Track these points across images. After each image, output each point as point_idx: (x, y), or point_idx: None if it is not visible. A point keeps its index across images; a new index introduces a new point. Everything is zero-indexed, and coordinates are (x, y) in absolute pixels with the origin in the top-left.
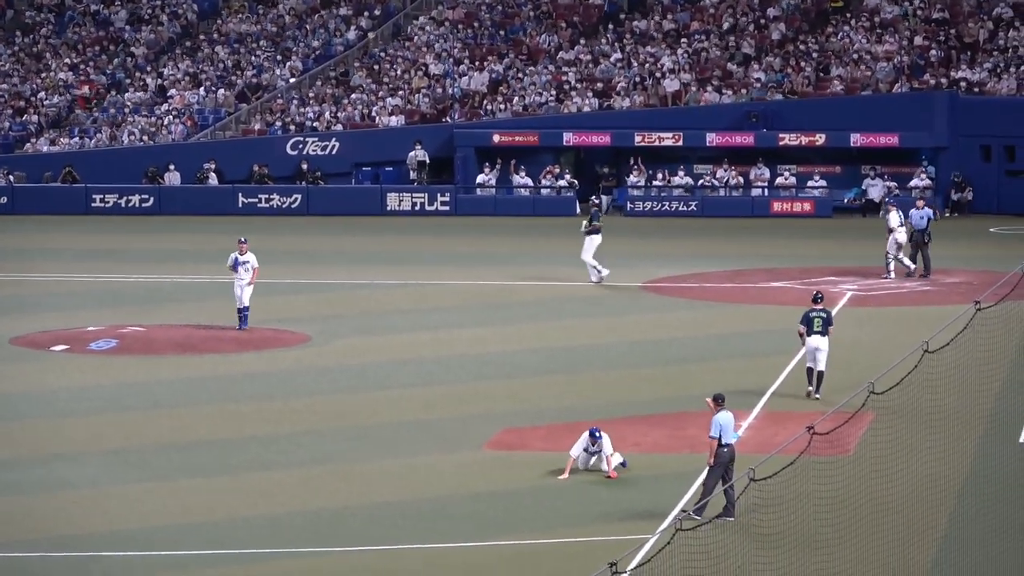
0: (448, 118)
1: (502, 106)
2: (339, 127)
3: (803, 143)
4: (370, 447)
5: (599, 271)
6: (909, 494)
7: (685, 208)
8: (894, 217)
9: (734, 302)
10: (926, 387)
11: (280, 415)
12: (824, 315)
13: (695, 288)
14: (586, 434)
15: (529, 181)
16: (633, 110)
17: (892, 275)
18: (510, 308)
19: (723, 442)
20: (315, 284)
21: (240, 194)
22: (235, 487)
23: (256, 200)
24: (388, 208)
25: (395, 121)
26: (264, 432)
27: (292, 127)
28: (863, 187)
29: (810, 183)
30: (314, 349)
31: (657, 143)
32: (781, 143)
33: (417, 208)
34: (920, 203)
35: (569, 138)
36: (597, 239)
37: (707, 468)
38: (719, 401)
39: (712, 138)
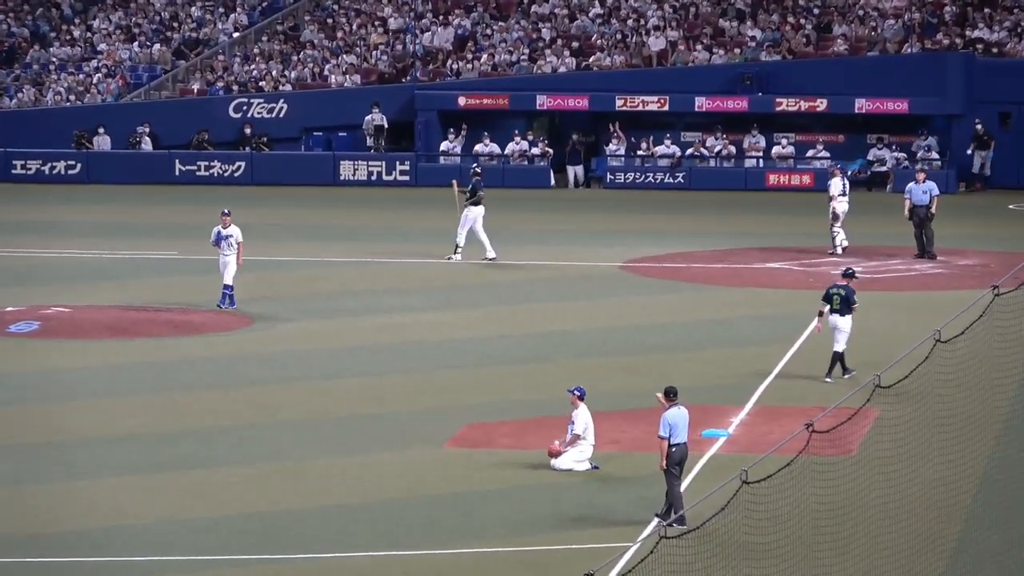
0: (408, 78)
1: (469, 65)
2: (287, 88)
3: (802, 109)
4: (319, 443)
5: (458, 249)
6: (917, 500)
7: (671, 180)
8: (836, 184)
9: (724, 285)
10: (937, 381)
11: (219, 407)
12: (843, 292)
13: (681, 269)
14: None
15: (497, 149)
16: (614, 71)
17: (839, 250)
18: (476, 290)
19: (673, 442)
20: (259, 262)
21: (177, 161)
22: (169, 487)
23: (195, 168)
24: (341, 178)
25: (350, 81)
26: (201, 426)
27: (235, 87)
28: (869, 158)
29: (810, 153)
30: (257, 334)
31: (640, 108)
32: (778, 109)
33: (374, 178)
34: (921, 176)
35: (543, 101)
36: (479, 211)
37: (664, 474)
38: (671, 396)
39: (701, 103)
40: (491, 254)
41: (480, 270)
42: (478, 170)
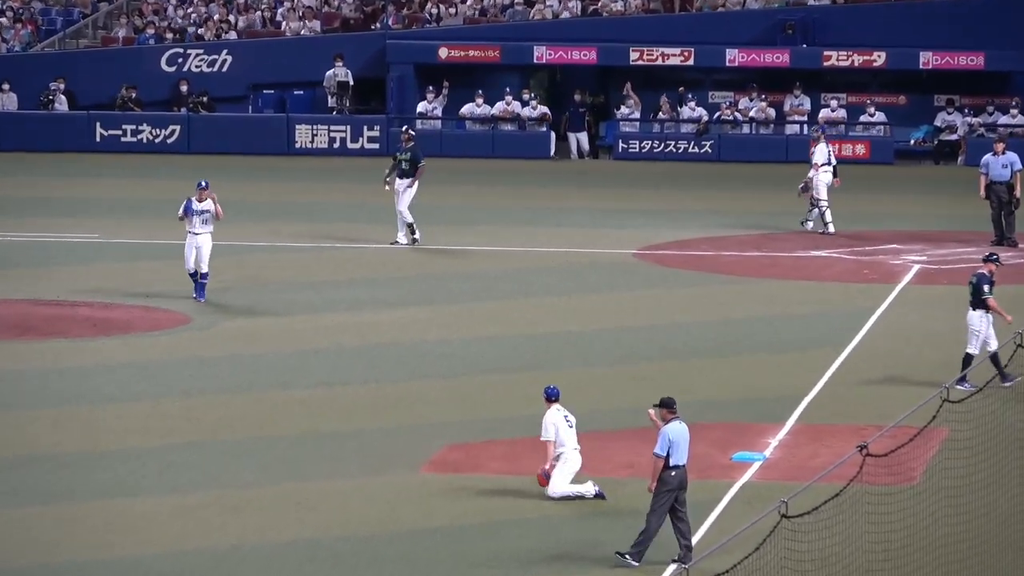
0: (379, 25)
1: (452, 10)
2: (232, 36)
3: (856, 64)
4: (267, 467)
5: (414, 230)
6: (993, 538)
7: (696, 150)
8: (821, 151)
9: (760, 276)
10: (1019, 394)
11: (146, 423)
12: (972, 281)
13: (708, 257)
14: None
15: (488, 110)
16: (628, 17)
17: (831, 227)
18: (459, 281)
19: (672, 463)
20: None
21: (98, 124)
22: (85, 517)
23: (119, 132)
24: (297, 145)
25: (307, 29)
26: (125, 445)
27: (169, 35)
28: (936, 124)
29: (864, 118)
30: (194, 334)
31: (660, 62)
32: (826, 64)
33: (336, 146)
34: (999, 146)
35: (541, 53)
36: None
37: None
38: (670, 407)
39: (733, 56)
40: (406, 239)
41: (463, 258)
42: (412, 133)
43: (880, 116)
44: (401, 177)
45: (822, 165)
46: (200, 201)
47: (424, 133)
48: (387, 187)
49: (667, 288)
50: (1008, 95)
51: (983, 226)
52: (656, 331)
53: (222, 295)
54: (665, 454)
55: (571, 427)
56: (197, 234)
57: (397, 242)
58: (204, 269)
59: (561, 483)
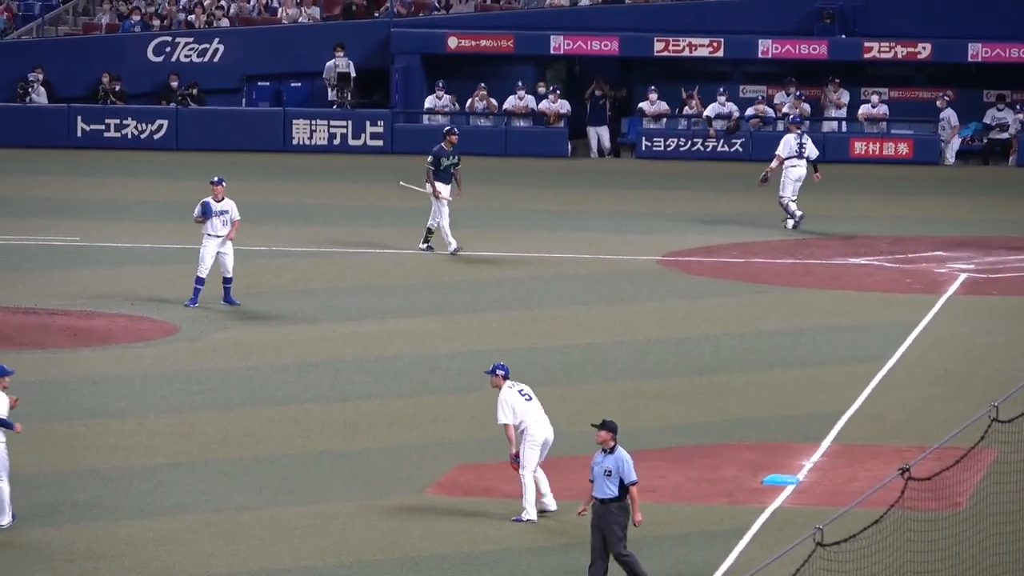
0: (383, 12)
1: None
2: (224, 24)
3: (899, 56)
4: (262, 489)
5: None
6: None
7: (726, 148)
8: (787, 142)
9: (795, 286)
10: None
11: (131, 440)
12: None
13: (738, 264)
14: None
15: (496, 104)
16: (652, 4)
17: (792, 222)
18: (470, 290)
19: (602, 495)
20: (186, 251)
21: (79, 118)
22: (63, 543)
23: (103, 127)
24: (294, 141)
25: (305, 16)
26: (109, 464)
27: (156, 22)
28: (986, 121)
29: (909, 115)
30: (183, 345)
31: (687, 53)
32: (867, 56)
33: (337, 142)
34: None
35: (559, 44)
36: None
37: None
38: (613, 432)
39: (767, 47)
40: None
41: (475, 264)
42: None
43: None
44: (446, 183)
45: (787, 158)
46: (217, 200)
47: (430, 129)
48: (448, 197)
49: (694, 298)
50: None
51: None
52: (682, 344)
53: (213, 304)
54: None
55: (530, 400)
56: (219, 237)
57: (460, 250)
58: (230, 274)
59: (531, 459)
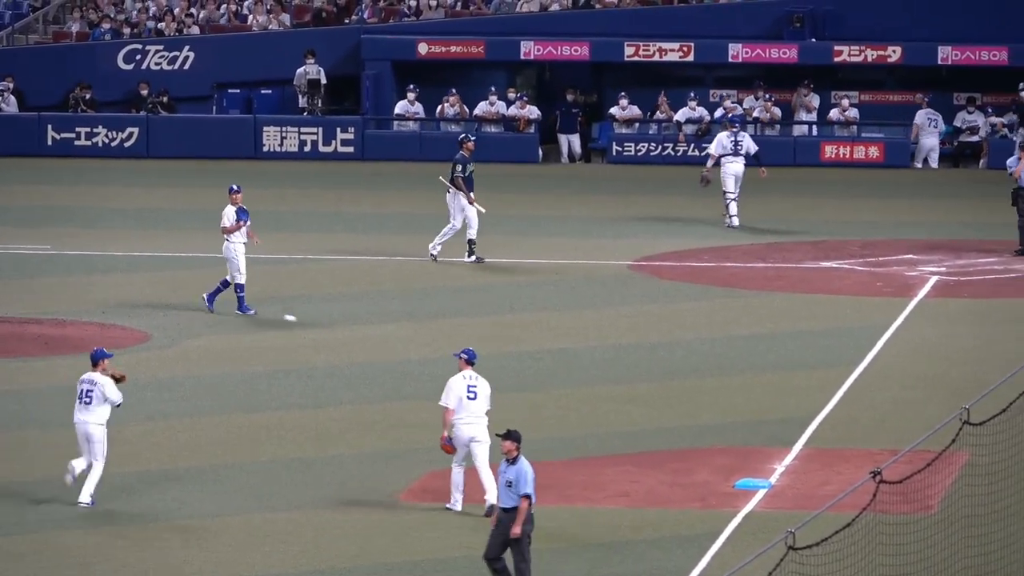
0: (353, 18)
1: (432, 2)
2: (195, 31)
3: (869, 60)
4: (234, 496)
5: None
6: (1016, 570)
7: (697, 153)
8: (719, 141)
9: (766, 290)
10: None
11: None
12: None
13: (710, 269)
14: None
15: (467, 110)
16: (622, 9)
17: (735, 220)
18: (442, 296)
19: (504, 504)
20: (157, 259)
21: (50, 126)
22: (36, 550)
23: (73, 135)
24: (265, 148)
25: (276, 23)
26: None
27: (126, 30)
28: (956, 124)
29: (880, 118)
30: (155, 353)
31: (657, 58)
32: (837, 59)
33: (307, 149)
34: None
35: (529, 49)
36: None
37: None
38: (517, 441)
39: (737, 51)
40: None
41: (447, 270)
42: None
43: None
44: (471, 190)
45: (721, 156)
46: (236, 207)
47: (401, 136)
48: (480, 207)
49: (666, 302)
50: None
51: (1006, 234)
52: (654, 349)
53: (184, 311)
54: (532, 492)
55: (473, 399)
56: (243, 243)
57: (481, 259)
58: (242, 280)
59: (456, 453)
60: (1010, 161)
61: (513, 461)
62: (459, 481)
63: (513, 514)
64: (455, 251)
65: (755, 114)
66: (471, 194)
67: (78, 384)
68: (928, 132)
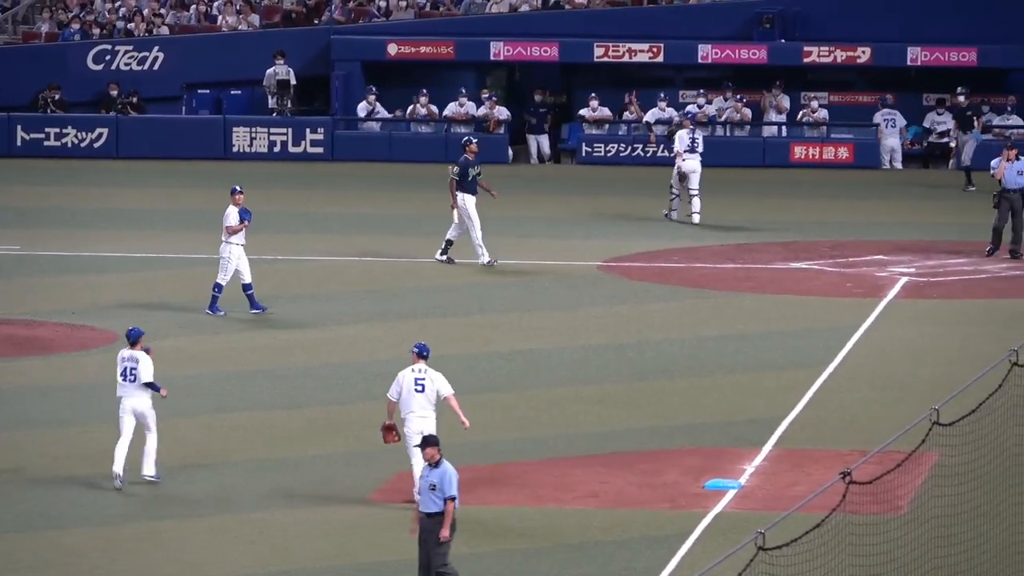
0: (323, 19)
1: (402, 2)
2: (164, 31)
3: (838, 60)
4: (204, 496)
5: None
6: (986, 570)
7: (667, 154)
8: (680, 138)
9: (736, 290)
10: (1015, 416)
11: (74, 449)
12: None
13: (679, 269)
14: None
15: (436, 111)
16: (592, 10)
17: (674, 213)
18: (413, 297)
19: (427, 509)
20: (126, 259)
21: (19, 127)
22: (7, 551)
23: (42, 136)
24: (234, 149)
25: (246, 24)
26: (49, 474)
27: (96, 31)
28: (925, 125)
29: (850, 119)
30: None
31: (626, 58)
32: (807, 60)
33: (277, 150)
34: (1011, 152)
35: (499, 50)
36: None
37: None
38: (437, 446)
39: (706, 52)
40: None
41: (419, 271)
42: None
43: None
44: (473, 193)
45: (683, 152)
46: (238, 208)
47: (370, 136)
48: (473, 211)
49: (635, 303)
50: (1003, 93)
51: (976, 235)
52: (624, 349)
53: (153, 312)
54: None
55: (420, 392)
56: (243, 244)
57: (493, 262)
58: (248, 279)
59: (408, 444)
60: (994, 162)
61: (436, 465)
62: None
63: (437, 519)
64: (419, 251)
65: (726, 115)
66: (463, 197)
67: (119, 362)
68: (888, 133)
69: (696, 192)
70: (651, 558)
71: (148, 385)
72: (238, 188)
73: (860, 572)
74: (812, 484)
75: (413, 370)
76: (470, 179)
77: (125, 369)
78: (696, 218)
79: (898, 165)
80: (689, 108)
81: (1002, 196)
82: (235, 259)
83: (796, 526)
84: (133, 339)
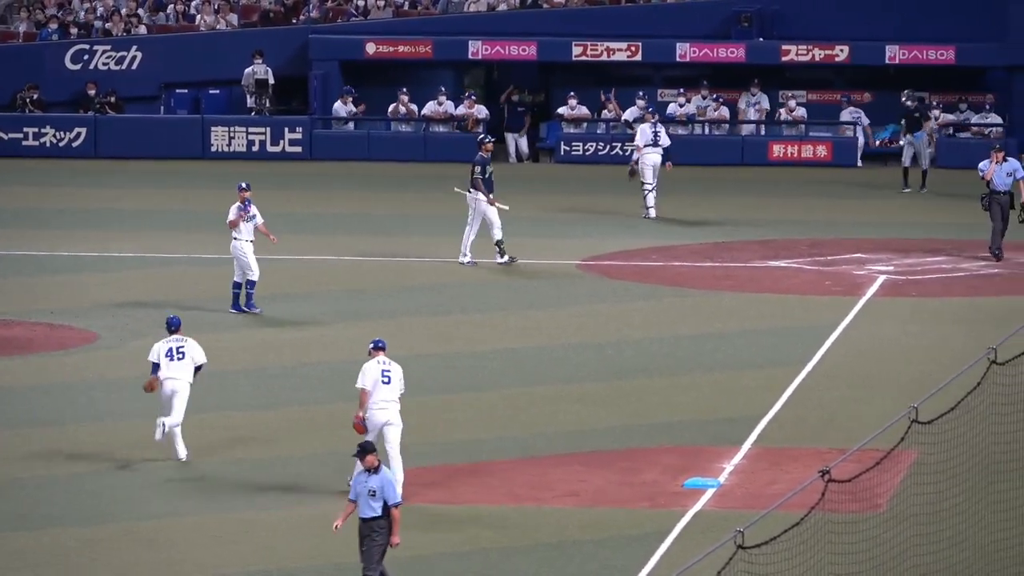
0: (301, 19)
1: (380, 2)
2: (142, 31)
3: (816, 59)
4: (182, 497)
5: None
6: (965, 568)
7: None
8: (643, 132)
9: (715, 289)
10: (993, 414)
11: (53, 448)
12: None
13: (658, 268)
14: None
15: (416, 110)
16: (570, 9)
17: (652, 212)
18: (391, 296)
19: (365, 514)
20: (105, 259)
21: None
22: None
23: (20, 135)
24: (213, 148)
25: (224, 23)
26: (30, 473)
27: (73, 30)
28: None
29: (828, 117)
30: (103, 353)
31: (604, 57)
32: (785, 59)
33: (255, 149)
34: (999, 154)
35: (477, 49)
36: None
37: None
38: (375, 452)
39: (684, 51)
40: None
41: (395, 271)
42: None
43: (846, 115)
44: (491, 191)
45: (645, 146)
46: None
47: (348, 136)
48: (503, 205)
49: (614, 302)
50: (981, 92)
51: (953, 234)
52: (602, 348)
53: (132, 311)
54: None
55: (387, 383)
56: (251, 241)
57: (514, 260)
58: (255, 277)
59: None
60: (982, 164)
61: (375, 471)
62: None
63: (374, 523)
64: (397, 251)
65: (707, 113)
66: (491, 195)
67: (166, 344)
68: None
69: (652, 187)
70: (630, 557)
71: (197, 364)
72: (243, 184)
73: (839, 570)
74: (791, 482)
75: (379, 362)
76: (487, 176)
77: (172, 349)
78: (652, 212)
79: (858, 163)
80: (670, 108)
81: (991, 198)
82: (249, 254)
83: (775, 524)
84: (175, 327)
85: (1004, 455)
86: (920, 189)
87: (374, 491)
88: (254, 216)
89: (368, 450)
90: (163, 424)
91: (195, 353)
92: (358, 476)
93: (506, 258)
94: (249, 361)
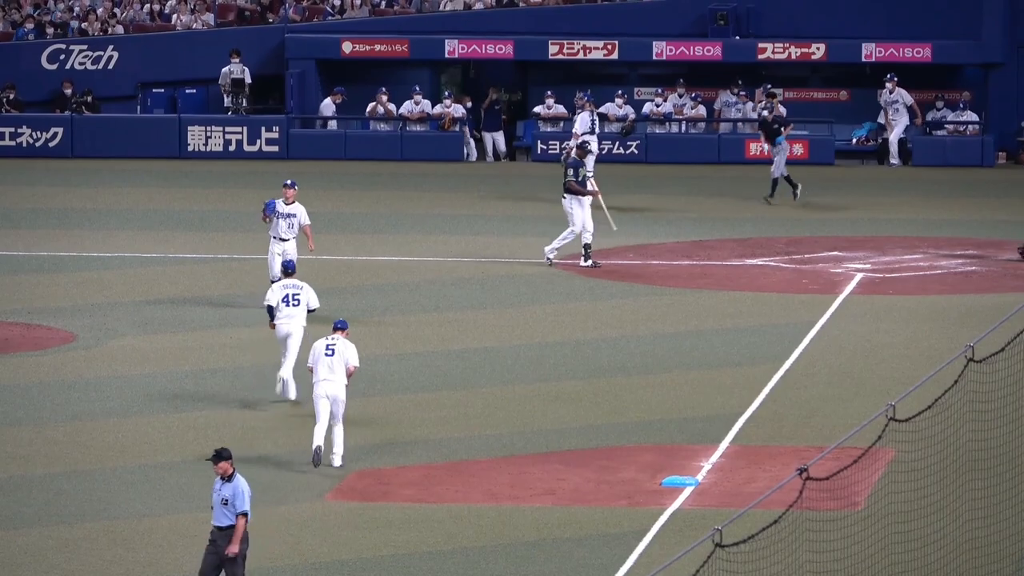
0: (277, 18)
1: (356, 0)
2: (119, 30)
3: (793, 57)
4: (160, 496)
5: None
6: (943, 566)
7: (621, 151)
8: (582, 120)
9: (692, 287)
10: (970, 412)
11: (31, 448)
12: None
13: (635, 266)
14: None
15: (394, 109)
16: (546, 7)
17: (612, 224)
18: (366, 295)
19: (219, 522)
20: (81, 258)
21: None
22: None
23: None
24: (189, 148)
25: (200, 22)
26: (7, 473)
27: (50, 30)
28: (880, 121)
29: (804, 115)
30: (81, 352)
31: (581, 56)
32: (761, 57)
33: (232, 148)
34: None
35: (453, 48)
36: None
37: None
38: (230, 459)
39: (661, 49)
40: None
41: (372, 269)
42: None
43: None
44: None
45: (583, 134)
46: (288, 203)
47: (326, 135)
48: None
49: (591, 300)
50: (957, 89)
51: (931, 231)
52: (580, 347)
53: (109, 311)
54: (246, 510)
55: (328, 355)
56: (284, 240)
57: (597, 264)
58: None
59: (317, 407)
60: None
61: (229, 479)
62: (318, 435)
63: (228, 532)
64: (373, 249)
65: (681, 111)
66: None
67: (282, 289)
68: None
69: (591, 174)
70: (608, 555)
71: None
72: (288, 182)
73: (818, 568)
74: (769, 480)
75: (327, 338)
76: (580, 180)
77: (287, 296)
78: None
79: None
80: (646, 106)
81: None
82: (273, 255)
83: (753, 522)
84: (292, 270)
85: (981, 453)
86: (769, 195)
87: (227, 499)
88: (294, 215)
89: (224, 457)
90: (282, 380)
91: (309, 298)
92: (215, 484)
93: (590, 262)
94: (226, 359)
